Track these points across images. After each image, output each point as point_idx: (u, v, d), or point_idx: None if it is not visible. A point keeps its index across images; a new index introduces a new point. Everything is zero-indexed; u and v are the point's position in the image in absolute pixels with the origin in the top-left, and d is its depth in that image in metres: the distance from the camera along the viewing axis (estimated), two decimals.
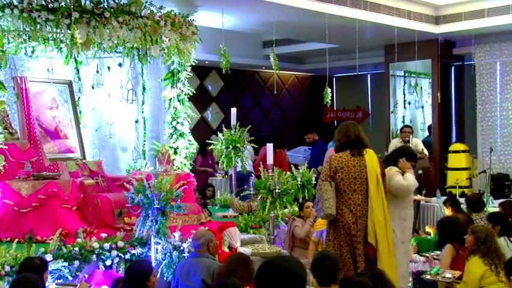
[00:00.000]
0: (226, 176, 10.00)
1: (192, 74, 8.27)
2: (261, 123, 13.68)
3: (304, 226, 6.34)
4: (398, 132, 10.47)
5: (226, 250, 5.77)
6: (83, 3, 5.82)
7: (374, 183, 4.88)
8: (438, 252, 6.09)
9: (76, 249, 5.06)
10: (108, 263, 5.18)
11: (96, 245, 5.18)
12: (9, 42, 6.27)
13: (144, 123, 8.55)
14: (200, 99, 11.80)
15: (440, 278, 4.95)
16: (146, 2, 6.39)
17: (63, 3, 5.65)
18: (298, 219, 6.51)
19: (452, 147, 10.54)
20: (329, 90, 8.32)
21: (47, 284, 4.36)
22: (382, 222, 4.86)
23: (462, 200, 7.71)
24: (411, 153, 5.48)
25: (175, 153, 7.93)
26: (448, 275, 4.92)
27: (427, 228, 7.64)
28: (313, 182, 6.60)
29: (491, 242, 4.89)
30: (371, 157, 4.96)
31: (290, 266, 2.57)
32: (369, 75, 14.55)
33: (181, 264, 4.94)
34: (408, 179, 5.13)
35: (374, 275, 3.69)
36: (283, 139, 10.78)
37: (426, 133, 11.70)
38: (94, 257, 5.12)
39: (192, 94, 8.16)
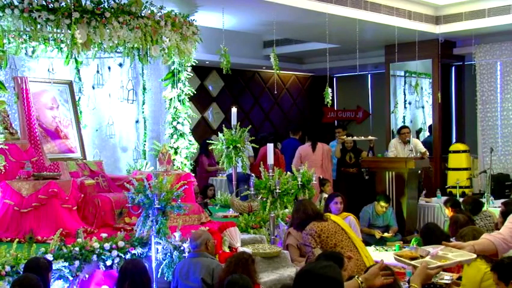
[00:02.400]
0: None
1: (192, 74, 8.28)
2: (261, 123, 13.68)
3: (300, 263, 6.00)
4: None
5: (227, 250, 5.77)
6: (83, 4, 5.82)
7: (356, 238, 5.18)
8: None
9: (77, 249, 5.05)
10: (108, 263, 5.18)
11: (96, 245, 5.18)
12: (9, 42, 6.26)
13: (144, 123, 8.55)
14: (200, 99, 11.80)
15: (439, 280, 4.93)
16: (147, 2, 6.39)
17: (63, 3, 5.65)
18: (295, 232, 6.04)
19: (452, 147, 10.54)
20: (330, 90, 8.31)
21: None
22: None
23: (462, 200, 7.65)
24: None
25: (176, 153, 7.94)
26: (447, 277, 4.89)
27: None
28: (314, 182, 6.62)
29: None
30: (336, 218, 5.27)
31: (328, 273, 2.58)
32: (369, 75, 14.55)
33: (181, 265, 4.96)
34: None
35: None
36: (281, 139, 10.82)
37: (427, 133, 11.71)
38: (95, 257, 5.11)
39: (192, 94, 8.17)
